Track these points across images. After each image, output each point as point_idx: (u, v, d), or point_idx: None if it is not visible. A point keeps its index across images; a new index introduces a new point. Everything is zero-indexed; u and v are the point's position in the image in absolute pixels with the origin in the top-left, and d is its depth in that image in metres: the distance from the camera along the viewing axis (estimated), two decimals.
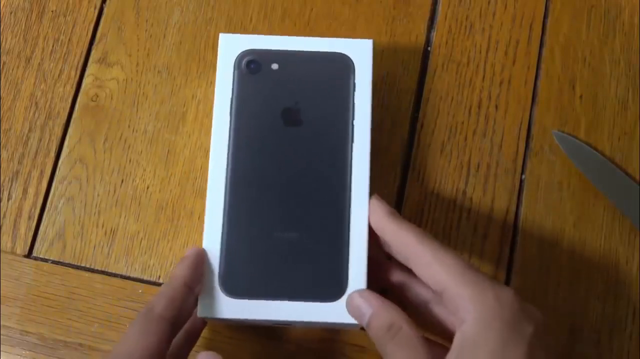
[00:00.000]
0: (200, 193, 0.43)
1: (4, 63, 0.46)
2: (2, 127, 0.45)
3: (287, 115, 0.38)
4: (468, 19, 0.46)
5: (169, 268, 0.42)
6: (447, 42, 0.45)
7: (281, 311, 0.35)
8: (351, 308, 0.35)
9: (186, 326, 0.37)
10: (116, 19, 0.46)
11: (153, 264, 0.42)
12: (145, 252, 0.42)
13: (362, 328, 0.40)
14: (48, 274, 0.42)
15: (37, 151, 0.44)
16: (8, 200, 0.44)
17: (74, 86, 0.45)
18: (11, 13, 0.47)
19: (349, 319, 0.35)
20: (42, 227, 0.43)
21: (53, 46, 0.46)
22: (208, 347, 0.40)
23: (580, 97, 0.44)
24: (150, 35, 0.46)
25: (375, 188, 0.42)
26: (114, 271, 0.42)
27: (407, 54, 0.45)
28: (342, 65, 0.39)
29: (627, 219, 0.42)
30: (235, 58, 0.39)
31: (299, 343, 0.40)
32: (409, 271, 0.35)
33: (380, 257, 0.37)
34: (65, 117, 0.45)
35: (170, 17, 0.46)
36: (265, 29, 0.46)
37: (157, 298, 0.34)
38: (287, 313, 0.35)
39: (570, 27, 0.45)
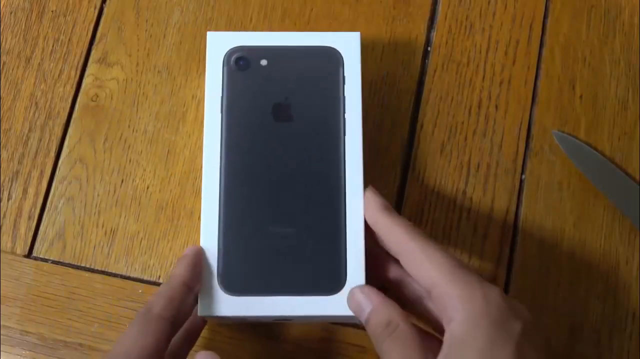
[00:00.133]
0: (200, 193, 0.43)
1: (4, 63, 0.46)
2: (2, 127, 0.45)
3: (278, 110, 0.38)
4: (468, 19, 0.46)
5: (169, 268, 0.42)
6: (447, 42, 0.45)
7: (281, 306, 0.36)
8: (352, 303, 0.35)
9: (185, 325, 0.37)
10: (116, 19, 0.46)
11: (153, 264, 0.42)
12: (145, 252, 0.42)
13: (360, 326, 0.40)
14: (48, 274, 0.42)
15: (37, 151, 0.44)
16: (8, 200, 0.44)
17: (74, 86, 0.45)
18: (11, 13, 0.47)
19: (349, 312, 0.35)
20: (42, 227, 0.43)
21: (53, 46, 0.46)
22: (208, 347, 0.40)
23: (580, 97, 0.44)
24: (150, 35, 0.46)
25: (375, 188, 0.42)
26: (114, 271, 0.42)
27: (407, 54, 0.45)
28: (331, 58, 0.39)
29: (627, 219, 0.42)
30: (223, 55, 0.39)
31: (298, 343, 0.40)
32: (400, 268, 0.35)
33: (378, 251, 0.37)
34: (65, 117, 0.45)
35: (170, 17, 0.46)
36: (265, 29, 0.46)
37: (156, 297, 0.34)
38: (287, 308, 0.36)
39: (570, 27, 0.45)
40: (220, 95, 0.39)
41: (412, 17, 0.46)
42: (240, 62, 0.39)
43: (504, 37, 0.45)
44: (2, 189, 0.44)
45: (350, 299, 0.35)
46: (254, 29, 0.46)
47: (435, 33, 0.46)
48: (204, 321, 0.39)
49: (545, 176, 0.43)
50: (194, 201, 0.43)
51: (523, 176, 0.43)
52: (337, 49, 0.39)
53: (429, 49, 0.45)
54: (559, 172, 0.43)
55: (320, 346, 0.40)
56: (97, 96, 0.45)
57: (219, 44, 0.39)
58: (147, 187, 0.43)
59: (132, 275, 0.42)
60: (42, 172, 0.44)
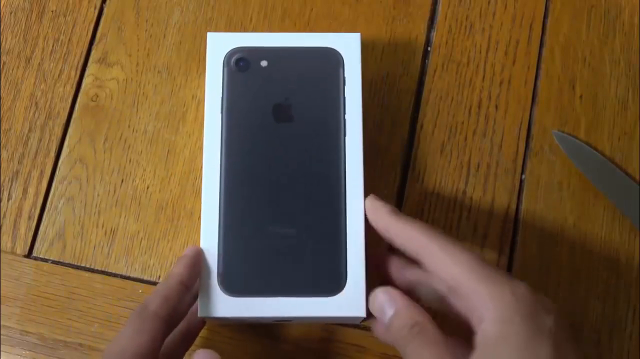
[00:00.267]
0: (200, 193, 0.43)
1: (4, 63, 0.46)
2: (2, 127, 0.45)
3: (278, 111, 0.38)
4: (468, 19, 0.46)
5: (168, 268, 0.42)
6: (447, 42, 0.45)
7: (282, 307, 0.36)
8: (374, 305, 0.34)
9: (182, 325, 0.37)
10: (116, 19, 0.46)
11: (153, 264, 0.42)
12: (145, 252, 0.42)
13: (359, 326, 0.40)
14: (48, 274, 0.42)
15: (37, 151, 0.44)
16: (8, 200, 0.44)
17: (74, 86, 0.45)
18: (11, 13, 0.47)
19: (350, 313, 0.35)
20: (42, 227, 0.43)
21: (53, 46, 0.46)
22: (207, 347, 0.40)
23: (580, 97, 0.44)
24: (150, 35, 0.46)
25: (375, 188, 0.42)
26: (114, 271, 0.42)
27: (407, 54, 0.45)
28: (331, 59, 0.39)
29: (627, 219, 0.42)
30: (224, 56, 0.39)
31: (298, 343, 0.40)
32: (416, 269, 0.35)
33: (385, 256, 0.37)
34: (65, 117, 0.45)
35: (170, 17, 0.46)
36: (265, 29, 0.46)
37: (152, 296, 0.34)
38: (288, 309, 0.36)
39: (570, 27, 0.45)
40: (221, 96, 0.39)
41: (412, 17, 0.46)
42: (240, 63, 0.39)
43: (504, 37, 0.45)
44: (2, 189, 0.44)
45: (373, 301, 0.34)
46: (254, 30, 0.46)
47: (435, 33, 0.46)
48: (202, 322, 0.38)
49: (545, 176, 0.43)
50: (194, 201, 0.43)
51: (523, 176, 0.43)
52: (338, 49, 0.39)
53: (429, 49, 0.45)
54: (559, 172, 0.43)
55: (320, 346, 0.40)
56: (97, 96, 0.45)
57: (219, 45, 0.39)
58: (147, 187, 0.43)
59: (132, 275, 0.42)
60: (42, 172, 0.44)
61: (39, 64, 0.46)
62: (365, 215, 0.37)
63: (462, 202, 0.42)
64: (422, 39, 0.45)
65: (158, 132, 0.44)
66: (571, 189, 0.43)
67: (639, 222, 0.41)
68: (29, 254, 0.43)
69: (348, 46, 0.39)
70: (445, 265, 0.32)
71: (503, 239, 0.42)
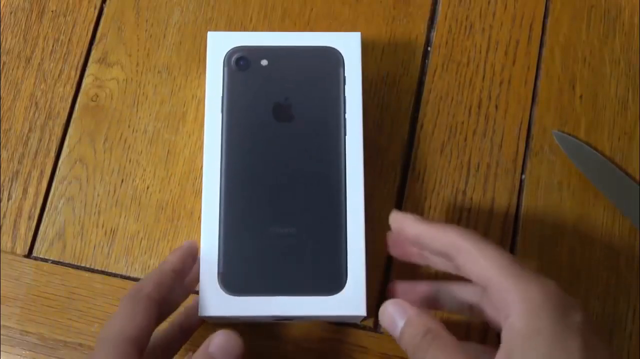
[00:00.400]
0: (200, 193, 0.43)
1: (4, 63, 0.46)
2: (2, 127, 0.45)
3: (279, 111, 0.38)
4: (468, 19, 0.46)
5: None
6: (447, 42, 0.45)
7: (282, 306, 0.36)
8: (384, 318, 0.34)
9: (179, 319, 0.37)
10: (116, 19, 0.46)
11: (153, 264, 0.42)
12: (145, 252, 0.42)
13: (359, 326, 0.40)
14: (48, 274, 0.42)
15: (37, 151, 0.44)
16: (8, 200, 0.44)
17: (74, 86, 0.45)
18: (11, 13, 0.47)
19: (350, 312, 0.35)
20: (42, 227, 0.43)
21: (53, 46, 0.46)
22: None
23: (580, 97, 0.44)
24: (150, 35, 0.46)
25: (375, 188, 0.42)
26: (114, 271, 0.42)
27: (407, 54, 0.45)
28: (332, 59, 0.39)
29: (627, 219, 0.42)
30: (224, 55, 0.39)
31: (298, 343, 0.40)
32: (429, 282, 0.36)
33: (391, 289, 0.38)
34: (65, 117, 0.45)
35: (170, 17, 0.46)
36: (265, 29, 0.46)
37: (145, 280, 0.35)
38: (288, 308, 0.36)
39: (570, 27, 0.45)
40: (221, 95, 0.39)
41: (412, 17, 0.46)
42: (240, 62, 0.39)
43: (504, 37, 0.45)
44: (2, 189, 0.44)
45: (382, 313, 0.34)
46: (254, 29, 0.46)
47: (435, 33, 0.46)
48: (200, 320, 0.39)
49: (545, 176, 0.43)
50: (194, 201, 0.43)
51: (523, 176, 0.43)
52: (338, 49, 0.39)
53: (429, 49, 0.45)
54: (559, 172, 0.43)
55: (320, 346, 0.40)
56: (97, 96, 0.45)
57: (220, 44, 0.39)
58: (147, 187, 0.43)
59: (132, 275, 0.42)
60: (42, 172, 0.44)
61: (39, 64, 0.46)
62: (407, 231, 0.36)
63: (462, 202, 0.42)
64: (422, 39, 0.45)
65: (158, 132, 0.44)
66: (571, 189, 0.43)
67: (639, 222, 0.41)
68: (29, 254, 0.43)
69: (348, 45, 0.40)
70: (477, 263, 0.32)
71: (503, 239, 0.42)
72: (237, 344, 0.33)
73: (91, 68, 0.46)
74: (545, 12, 0.46)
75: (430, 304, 0.37)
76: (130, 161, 0.44)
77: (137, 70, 0.45)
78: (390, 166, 0.43)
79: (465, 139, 0.44)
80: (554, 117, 0.44)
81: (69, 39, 0.46)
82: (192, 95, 0.45)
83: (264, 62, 0.39)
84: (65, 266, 0.42)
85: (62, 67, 0.46)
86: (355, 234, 0.37)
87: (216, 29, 0.46)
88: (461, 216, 0.42)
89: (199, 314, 0.36)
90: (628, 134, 0.43)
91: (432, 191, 0.43)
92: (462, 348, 0.31)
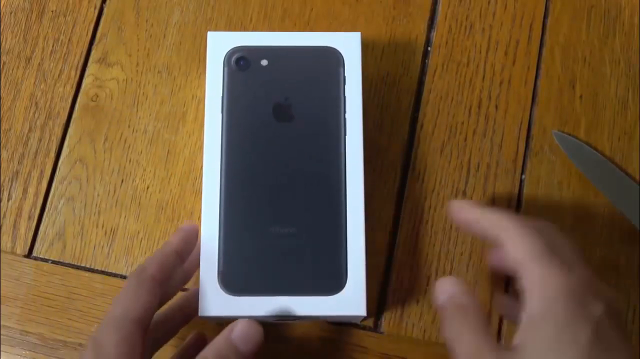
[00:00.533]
0: (200, 193, 0.43)
1: (4, 63, 0.46)
2: (2, 127, 0.45)
3: (279, 111, 0.38)
4: (468, 19, 0.46)
5: None
6: (447, 42, 0.45)
7: (282, 306, 0.36)
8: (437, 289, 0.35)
9: (180, 302, 0.38)
10: (116, 19, 0.46)
11: None
12: (145, 252, 0.42)
13: (359, 326, 0.40)
14: (48, 274, 0.42)
15: (37, 151, 0.44)
16: (8, 200, 0.44)
17: (74, 86, 0.45)
18: (11, 13, 0.47)
19: (350, 311, 0.36)
20: (42, 227, 0.43)
21: (53, 46, 0.46)
22: None
23: (580, 97, 0.44)
24: (150, 35, 0.46)
25: (375, 188, 0.42)
26: (114, 271, 0.42)
27: (407, 54, 0.45)
28: (332, 58, 0.39)
29: (627, 219, 0.42)
30: (224, 55, 0.39)
31: (298, 343, 0.40)
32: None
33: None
34: (65, 117, 0.45)
35: (170, 17, 0.46)
36: (265, 29, 0.46)
37: (149, 261, 0.35)
38: (288, 308, 0.36)
39: (570, 27, 0.45)
40: (221, 95, 0.39)
41: (412, 17, 0.46)
42: (240, 62, 0.39)
43: (504, 37, 0.45)
44: (2, 189, 0.44)
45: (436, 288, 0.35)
46: (254, 29, 0.46)
47: (435, 33, 0.46)
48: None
49: (545, 176, 0.43)
50: (194, 201, 0.43)
51: (523, 176, 0.43)
52: (338, 49, 0.39)
53: (429, 49, 0.45)
54: (559, 172, 0.43)
55: (320, 346, 0.40)
56: (97, 96, 0.45)
57: (220, 44, 0.39)
58: (147, 187, 0.43)
59: None
60: (42, 172, 0.44)
61: (39, 64, 0.46)
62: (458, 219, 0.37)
63: None
64: (422, 39, 0.45)
65: (158, 132, 0.44)
66: (571, 189, 0.43)
67: (639, 222, 0.41)
68: (29, 254, 0.43)
69: (348, 45, 0.40)
70: (515, 245, 0.32)
71: None
72: (258, 332, 0.34)
73: (91, 68, 0.46)
74: (545, 12, 0.46)
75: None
76: (130, 161, 0.44)
77: (137, 70, 0.45)
78: (390, 166, 0.43)
79: (465, 139, 0.44)
80: (554, 117, 0.44)
81: (69, 39, 0.46)
82: (192, 95, 0.45)
83: (264, 62, 0.39)
84: (65, 266, 0.42)
85: (62, 67, 0.46)
86: (355, 234, 0.37)
87: (216, 29, 0.46)
88: None
89: (199, 315, 0.36)
90: (628, 134, 0.43)
91: (432, 191, 0.43)
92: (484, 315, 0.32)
